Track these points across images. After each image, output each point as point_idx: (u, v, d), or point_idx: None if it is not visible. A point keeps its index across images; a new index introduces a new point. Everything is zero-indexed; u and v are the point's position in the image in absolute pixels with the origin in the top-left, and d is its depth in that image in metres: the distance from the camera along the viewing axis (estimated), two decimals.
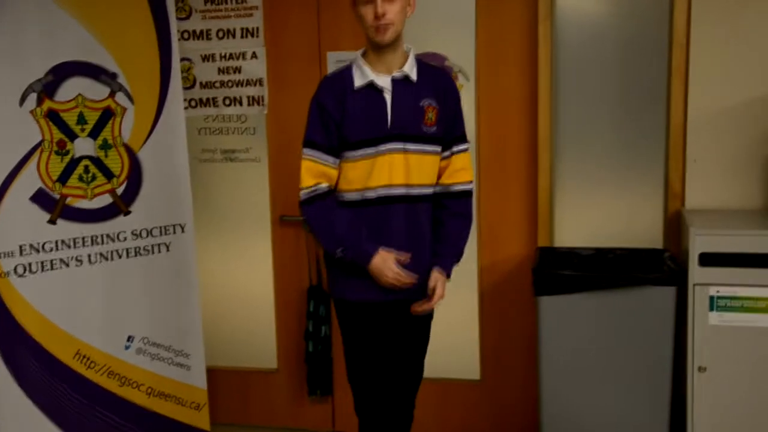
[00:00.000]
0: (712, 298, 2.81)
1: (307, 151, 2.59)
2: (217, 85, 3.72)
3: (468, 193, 2.71)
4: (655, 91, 3.30)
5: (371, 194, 2.58)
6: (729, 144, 3.22)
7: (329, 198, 2.60)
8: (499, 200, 3.52)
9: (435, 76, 2.65)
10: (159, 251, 3.32)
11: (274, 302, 3.83)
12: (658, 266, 3.09)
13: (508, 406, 3.63)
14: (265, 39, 3.64)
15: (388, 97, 2.56)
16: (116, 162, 3.20)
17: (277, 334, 3.85)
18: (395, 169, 2.56)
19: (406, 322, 2.68)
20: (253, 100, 3.70)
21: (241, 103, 3.71)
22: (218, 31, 3.68)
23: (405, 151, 2.57)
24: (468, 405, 3.68)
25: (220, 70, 3.71)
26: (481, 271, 3.58)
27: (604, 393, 3.00)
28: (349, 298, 2.66)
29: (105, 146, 3.17)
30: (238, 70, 3.69)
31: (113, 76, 3.17)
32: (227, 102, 3.72)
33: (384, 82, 2.56)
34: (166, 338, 3.37)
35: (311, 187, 2.58)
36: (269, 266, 3.81)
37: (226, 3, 3.66)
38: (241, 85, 3.69)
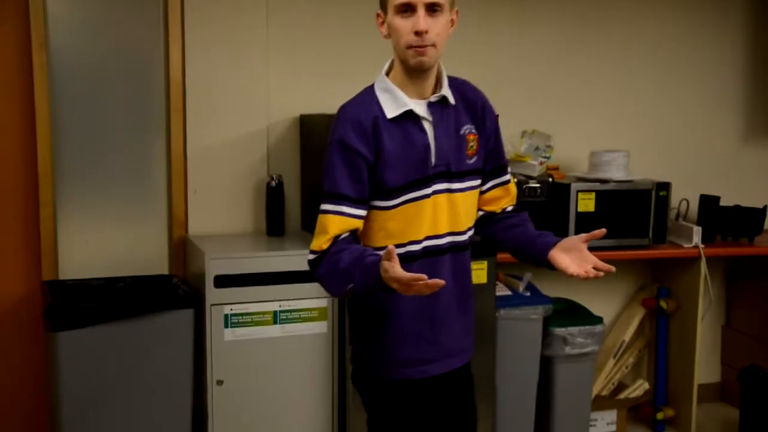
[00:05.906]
0: (226, 316, 3.09)
1: (330, 206, 2.00)
2: None
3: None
4: (157, 124, 3.46)
5: (416, 248, 2.05)
6: (227, 173, 3.54)
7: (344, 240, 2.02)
8: None
9: (468, 94, 2.15)
10: None
11: None
12: (172, 291, 3.25)
13: None
14: None
15: (428, 127, 2.05)
16: None
17: None
18: (439, 215, 2.07)
19: (454, 401, 2.22)
20: None
21: None
22: None
23: (450, 191, 2.08)
24: None
25: None
26: None
27: (128, 419, 3.05)
28: (384, 376, 2.12)
29: None
30: None
31: None
32: None
33: (421, 108, 2.05)
34: None
35: (325, 248, 2.00)
36: None
37: None
38: None
